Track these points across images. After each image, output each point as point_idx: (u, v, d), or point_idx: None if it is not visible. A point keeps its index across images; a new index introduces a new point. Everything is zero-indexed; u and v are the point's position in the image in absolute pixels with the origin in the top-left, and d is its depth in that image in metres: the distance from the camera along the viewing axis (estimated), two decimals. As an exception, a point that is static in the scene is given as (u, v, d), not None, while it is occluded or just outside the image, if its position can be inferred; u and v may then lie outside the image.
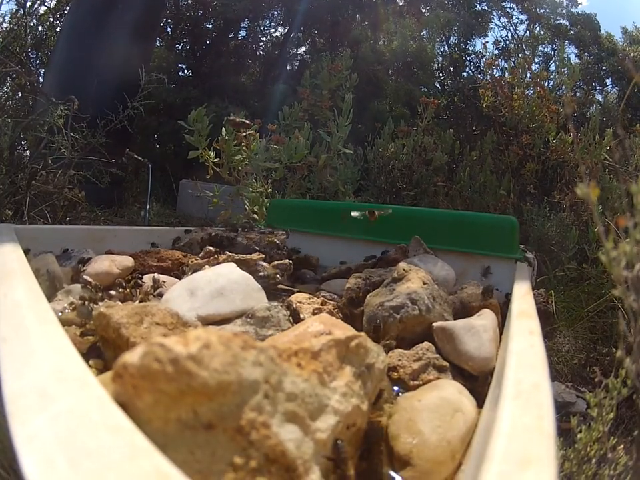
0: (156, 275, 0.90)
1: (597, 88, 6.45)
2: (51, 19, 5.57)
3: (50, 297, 0.79)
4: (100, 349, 0.63)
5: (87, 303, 0.76)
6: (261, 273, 0.94)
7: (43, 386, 0.32)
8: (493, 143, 3.42)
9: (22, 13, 3.89)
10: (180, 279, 0.89)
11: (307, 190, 2.37)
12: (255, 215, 2.01)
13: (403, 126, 3.14)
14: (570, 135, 3.12)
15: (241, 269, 0.88)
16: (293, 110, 2.61)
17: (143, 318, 0.59)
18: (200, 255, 1.04)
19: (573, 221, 2.71)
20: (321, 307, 0.86)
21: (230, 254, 0.96)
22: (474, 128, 5.09)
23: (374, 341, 0.75)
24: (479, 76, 6.24)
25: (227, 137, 1.96)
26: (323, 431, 0.40)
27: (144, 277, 0.92)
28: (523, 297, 0.79)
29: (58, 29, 5.31)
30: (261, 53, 8.07)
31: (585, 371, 1.92)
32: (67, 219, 2.90)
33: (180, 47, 7.49)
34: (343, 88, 3.04)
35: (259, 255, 0.98)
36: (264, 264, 0.98)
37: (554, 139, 3.15)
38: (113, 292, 0.86)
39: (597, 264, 2.35)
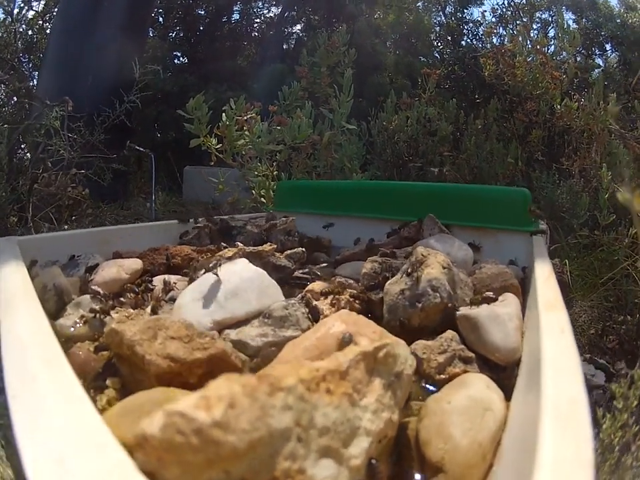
0: (166, 277, 0.85)
1: (597, 53, 6.25)
2: (40, 22, 5.48)
3: (59, 311, 0.76)
4: (115, 364, 0.60)
5: (97, 315, 0.72)
6: (275, 264, 0.89)
7: (60, 453, 0.29)
8: (498, 110, 3.31)
9: (10, 20, 3.81)
10: (191, 277, 0.84)
11: (312, 168, 2.30)
12: (263, 199, 1.94)
13: (405, 98, 3.04)
14: (575, 101, 3.02)
15: (254, 262, 0.83)
16: (292, 89, 2.52)
17: (157, 332, 0.55)
18: (210, 248, 0.99)
19: (583, 187, 2.63)
20: (339, 296, 0.81)
21: (241, 246, 0.91)
22: (476, 96, 4.97)
23: (399, 333, 0.71)
24: (478, 44, 6.08)
25: (227, 123, 1.89)
26: (356, 456, 0.37)
27: (154, 279, 0.88)
28: (546, 282, 0.73)
29: (48, 31, 5.21)
30: (256, 34, 7.89)
31: (602, 340, 1.87)
32: (73, 217, 2.87)
33: (173, 35, 7.34)
34: (342, 64, 2.93)
35: (270, 245, 0.92)
36: (277, 254, 0.92)
37: (559, 106, 3.05)
38: (123, 299, 0.82)
39: (608, 230, 2.28)
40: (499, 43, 4.01)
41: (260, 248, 0.90)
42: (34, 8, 5.52)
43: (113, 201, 3.55)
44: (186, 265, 0.99)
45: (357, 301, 0.84)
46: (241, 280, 0.71)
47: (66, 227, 2.90)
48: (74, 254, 1.00)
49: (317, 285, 0.85)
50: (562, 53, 3.61)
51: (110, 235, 1.16)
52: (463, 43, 6.28)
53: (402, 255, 0.97)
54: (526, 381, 0.55)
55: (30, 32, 5.39)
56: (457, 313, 0.72)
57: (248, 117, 1.85)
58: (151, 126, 5.63)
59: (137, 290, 0.83)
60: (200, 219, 1.31)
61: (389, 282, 0.79)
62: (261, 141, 1.85)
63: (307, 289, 0.83)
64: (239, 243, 0.95)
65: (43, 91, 3.06)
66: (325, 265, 1.21)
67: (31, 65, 5.39)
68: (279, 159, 2.02)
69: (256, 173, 1.96)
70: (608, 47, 6.21)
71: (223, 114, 1.92)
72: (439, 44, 6.69)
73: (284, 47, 7.44)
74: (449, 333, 0.70)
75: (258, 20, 7.91)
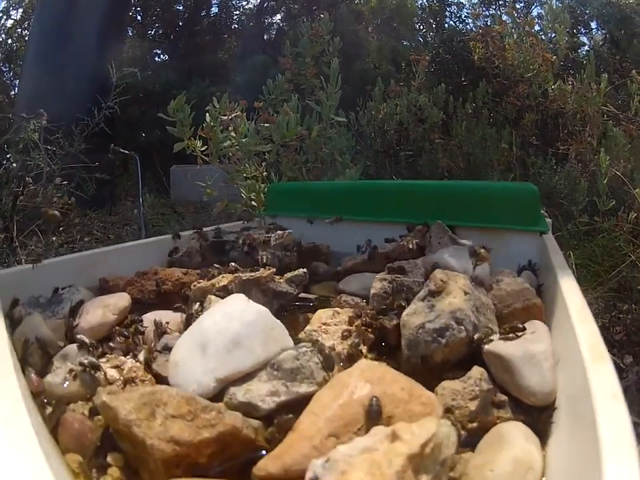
0: (157, 317, 0.75)
1: (582, 32, 6.13)
2: (19, 30, 5.31)
3: (46, 365, 0.68)
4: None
5: (87, 369, 0.63)
6: (275, 290, 0.78)
7: None
8: (488, 94, 3.21)
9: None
10: (187, 320, 0.74)
11: (302, 164, 2.18)
12: (254, 202, 1.82)
13: (394, 85, 2.92)
14: (569, 83, 2.92)
15: (252, 289, 0.72)
16: (277, 82, 2.38)
17: (155, 410, 0.48)
18: (204, 271, 0.89)
19: (581, 172, 2.54)
20: (349, 327, 0.71)
21: (235, 272, 0.80)
22: (462, 79, 4.86)
23: (421, 370, 0.62)
24: (462, 26, 5.96)
25: (212, 124, 1.76)
26: None
27: (145, 317, 0.79)
28: (581, 315, 0.64)
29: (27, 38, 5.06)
30: (236, 26, 7.70)
31: (609, 332, 1.79)
32: (61, 229, 2.77)
33: (152, 32, 7.13)
34: (327, 53, 2.79)
35: (268, 269, 0.82)
36: (276, 278, 0.81)
37: (552, 88, 2.95)
38: (112, 343, 0.74)
39: (608, 217, 2.20)
40: (485, 24, 3.88)
41: (258, 274, 0.79)
42: (12, 17, 5.36)
43: (100, 207, 3.42)
44: (178, 291, 0.89)
45: (369, 329, 0.74)
46: (242, 325, 0.60)
47: (54, 238, 2.79)
48: (58, 286, 0.90)
49: (324, 314, 0.75)
50: (551, 33, 3.52)
51: (94, 259, 1.04)
52: (446, 25, 6.17)
53: (411, 268, 0.87)
54: (568, 429, 0.51)
55: (10, 40, 5.24)
56: (485, 347, 0.64)
57: (232, 116, 1.72)
58: (134, 127, 5.46)
59: (127, 333, 0.74)
60: (191, 232, 1.19)
61: (406, 313, 0.70)
62: (248, 142, 1.73)
63: (313, 320, 0.73)
64: (233, 264, 0.84)
65: (24, 101, 2.92)
66: (325, 276, 1.11)
67: (11, 73, 5.23)
68: (268, 159, 1.89)
69: (244, 175, 1.84)
70: (593, 25, 6.11)
71: (207, 114, 1.79)
72: (421, 27, 6.56)
73: (265, 37, 7.27)
74: (477, 371, 0.61)
75: (237, 12, 7.72)
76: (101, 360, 0.68)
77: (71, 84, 3.58)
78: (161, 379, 0.62)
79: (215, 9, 7.42)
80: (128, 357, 0.71)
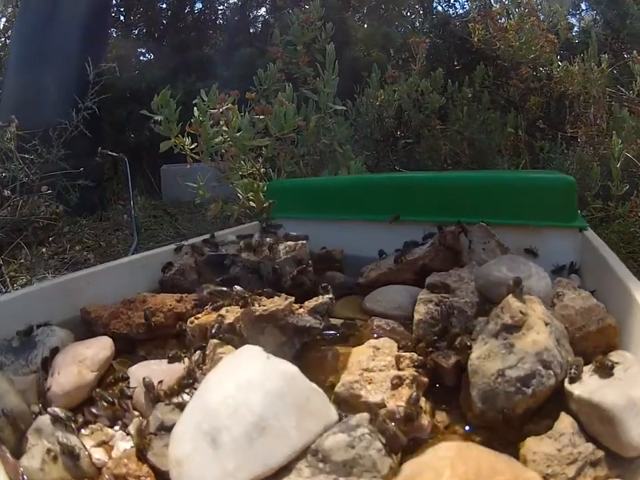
0: (147, 376, 0.59)
1: (572, 12, 5.96)
2: (3, 39, 5.12)
3: (20, 441, 0.55)
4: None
5: (67, 451, 0.51)
6: (297, 325, 0.62)
7: None
8: (490, 78, 3.04)
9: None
10: (180, 360, 0.58)
11: (300, 157, 2.00)
12: (252, 203, 1.64)
13: (391, 71, 2.73)
14: (575, 65, 2.76)
15: (267, 326, 0.56)
16: (269, 72, 2.19)
17: None
18: (200, 298, 0.72)
19: (592, 156, 2.39)
20: (400, 373, 0.55)
21: (242, 300, 0.63)
22: (455, 63, 4.70)
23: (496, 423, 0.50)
24: (450, 10, 5.77)
25: (200, 118, 1.57)
26: None
27: (131, 373, 0.63)
28: None
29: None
30: (220, 22, 7.45)
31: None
32: (50, 239, 2.61)
33: (136, 31, 6.87)
34: (319, 40, 2.61)
35: (286, 298, 0.65)
36: (296, 308, 0.65)
37: (556, 70, 2.79)
38: (95, 410, 0.60)
39: (623, 202, 2.06)
40: (482, 6, 3.70)
41: (273, 307, 0.62)
42: None
43: (91, 213, 3.23)
44: (171, 324, 0.74)
45: (420, 370, 0.59)
46: (266, 399, 0.43)
47: (44, 249, 2.61)
48: (32, 324, 0.75)
49: (362, 354, 0.59)
50: (551, 15, 3.39)
51: (75, 284, 0.88)
52: (434, 10, 5.95)
53: (456, 283, 0.71)
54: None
55: None
56: (575, 393, 0.49)
57: (223, 108, 1.54)
58: (122, 128, 5.25)
59: (111, 399, 0.59)
60: (184, 244, 1.01)
61: (477, 355, 0.55)
62: (243, 136, 1.55)
63: (351, 365, 0.57)
64: (237, 289, 0.67)
65: (6, 108, 2.74)
66: (344, 289, 0.95)
67: None
68: (265, 154, 1.71)
69: (240, 173, 1.66)
70: (583, 5, 5.97)
71: (195, 108, 1.60)
72: (409, 13, 6.34)
73: (250, 30, 7.03)
74: (567, 423, 0.49)
75: (221, 7, 7.47)
76: (83, 431, 0.56)
77: (52, 89, 3.38)
78: (160, 474, 0.47)
79: (199, 4, 7.17)
80: (116, 427, 0.56)
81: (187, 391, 0.54)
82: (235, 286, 0.69)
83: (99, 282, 0.90)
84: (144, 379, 0.57)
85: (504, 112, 2.94)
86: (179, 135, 1.65)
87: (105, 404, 0.57)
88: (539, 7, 3.63)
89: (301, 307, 0.68)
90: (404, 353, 0.62)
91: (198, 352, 0.58)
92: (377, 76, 2.76)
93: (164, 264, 0.97)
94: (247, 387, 0.44)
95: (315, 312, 0.67)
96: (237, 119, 1.61)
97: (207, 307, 0.68)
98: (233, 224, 1.57)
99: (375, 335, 0.74)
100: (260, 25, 7.05)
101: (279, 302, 0.64)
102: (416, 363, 0.60)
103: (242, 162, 1.66)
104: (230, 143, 1.60)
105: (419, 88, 2.66)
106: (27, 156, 2.04)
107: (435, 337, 0.66)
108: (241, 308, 0.62)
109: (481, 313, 0.70)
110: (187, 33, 6.82)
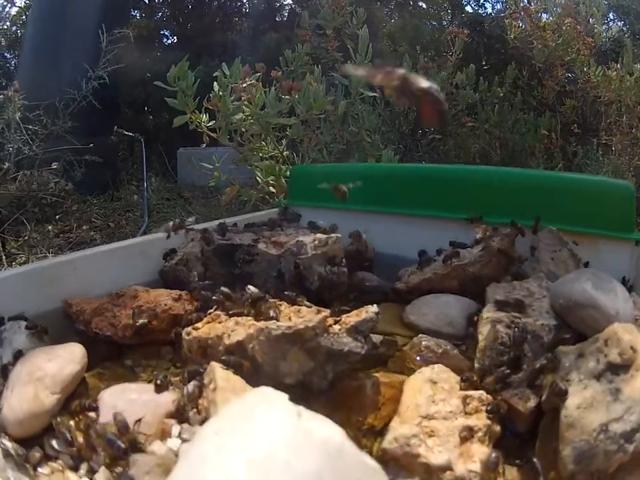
0: (120, 410, 0.43)
1: (602, 21, 5.78)
2: (24, 17, 5.06)
3: None
4: None
5: None
6: (331, 349, 0.44)
7: None
8: (524, 77, 2.86)
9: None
10: (167, 388, 0.41)
11: (326, 145, 1.83)
12: (272, 188, 1.47)
13: (424, 62, 2.55)
14: (613, 70, 2.57)
15: (287, 352, 0.39)
16: (296, 54, 2.02)
17: None
18: (201, 301, 0.55)
19: (627, 166, 2.22)
20: (471, 424, 0.38)
21: (256, 304, 0.46)
22: (484, 63, 4.53)
23: None
24: (480, 10, 5.59)
25: (221, 93, 1.41)
26: None
27: (102, 401, 0.46)
28: None
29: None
30: (245, 10, 7.29)
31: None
32: (57, 217, 2.49)
33: (160, 14, 6.73)
34: (350, 25, 2.44)
35: (318, 311, 0.47)
36: (330, 324, 0.47)
37: (594, 74, 2.60)
38: (56, 444, 0.43)
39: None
40: (517, 3, 3.52)
41: (301, 324, 0.44)
42: (17, 4, 5.13)
43: (102, 192, 3.08)
44: (166, 329, 0.56)
45: (491, 415, 0.41)
46: None
47: (50, 227, 2.48)
48: (2, 316, 0.61)
49: (418, 390, 0.42)
50: (588, 18, 3.20)
51: (59, 269, 0.71)
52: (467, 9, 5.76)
53: (525, 299, 0.54)
54: None
55: (14, 28, 5.01)
56: None
57: (248, 84, 1.37)
58: (141, 108, 5.12)
59: (70, 439, 0.43)
60: (191, 229, 0.84)
61: (577, 404, 0.37)
62: (267, 113, 1.37)
63: (405, 409, 0.40)
64: (251, 289, 0.51)
65: (23, 81, 2.60)
66: (377, 294, 0.78)
67: (14, 61, 4.98)
68: (290, 136, 1.53)
69: (261, 154, 1.49)
70: (611, 16, 5.81)
71: (215, 83, 1.44)
72: (437, 10, 6.14)
73: (277, 19, 6.87)
74: None
75: (247, -5, 7.31)
76: (40, 470, 0.42)
77: (68, 69, 3.25)
78: None
79: (224, -9, 7.01)
80: (81, 470, 0.40)
81: (177, 435, 0.37)
82: (249, 286, 0.52)
83: (89, 269, 0.73)
84: (115, 415, 0.40)
85: (537, 114, 2.77)
86: (196, 111, 1.49)
87: (66, 443, 0.41)
88: (577, 8, 3.45)
89: (336, 323, 0.50)
90: (471, 392, 0.45)
91: (193, 383, 0.41)
92: (408, 66, 2.58)
93: (166, 250, 0.81)
94: (265, 467, 0.27)
95: (356, 331, 0.49)
96: (260, 96, 1.44)
97: (211, 310, 0.52)
98: (249, 209, 1.41)
99: (419, 358, 0.57)
100: (287, 14, 6.89)
101: (308, 316, 0.46)
102: (488, 407, 0.43)
103: (263, 142, 1.49)
104: (252, 120, 1.43)
105: (454, 81, 2.47)
106: (30, 127, 1.89)
107: (507, 370, 0.49)
108: (255, 319, 0.46)
109: (559, 340, 0.53)
110: (211, 17, 6.67)
